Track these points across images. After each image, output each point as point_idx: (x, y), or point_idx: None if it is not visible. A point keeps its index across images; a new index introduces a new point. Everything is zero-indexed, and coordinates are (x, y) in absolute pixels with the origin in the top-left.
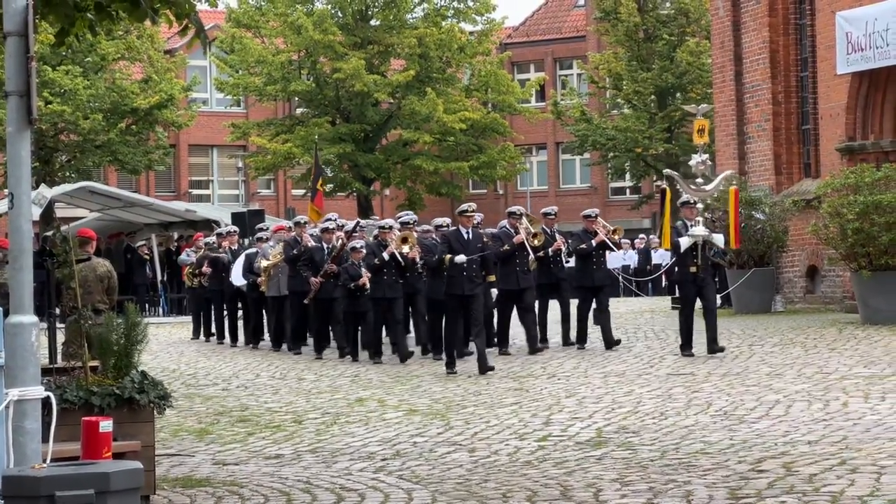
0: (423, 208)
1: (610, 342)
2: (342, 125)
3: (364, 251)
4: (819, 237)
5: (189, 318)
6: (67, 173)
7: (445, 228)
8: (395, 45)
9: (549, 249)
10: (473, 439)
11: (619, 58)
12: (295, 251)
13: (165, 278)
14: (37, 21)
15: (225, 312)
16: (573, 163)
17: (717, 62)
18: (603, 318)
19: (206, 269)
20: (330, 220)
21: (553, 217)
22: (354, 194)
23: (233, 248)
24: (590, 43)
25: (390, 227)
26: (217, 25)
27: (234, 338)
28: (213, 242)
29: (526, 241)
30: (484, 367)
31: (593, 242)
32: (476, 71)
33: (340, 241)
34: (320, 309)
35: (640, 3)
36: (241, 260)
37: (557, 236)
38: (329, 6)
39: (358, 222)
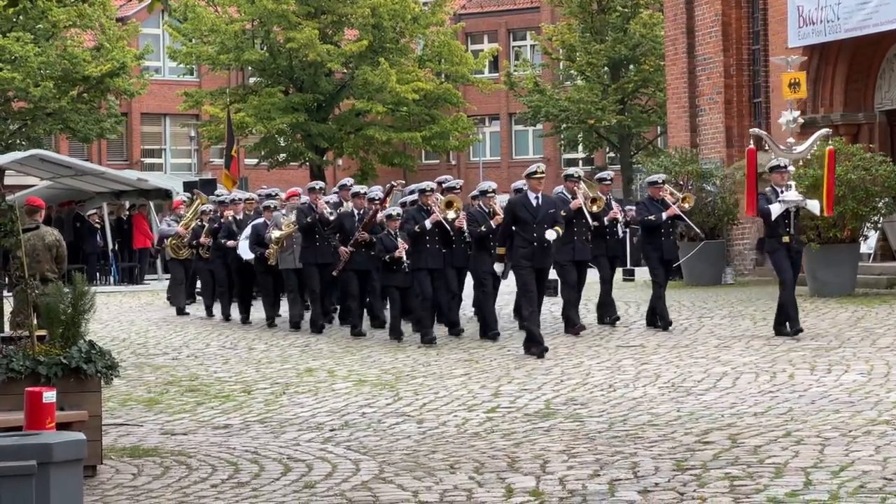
0: (375, 178)
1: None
2: (295, 95)
3: (400, 218)
4: None
5: (139, 288)
6: (18, 141)
7: (492, 195)
8: (349, 15)
9: (605, 218)
10: (422, 410)
11: (573, 29)
12: (309, 219)
13: (116, 247)
14: None
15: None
16: (526, 134)
17: (670, 35)
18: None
19: (204, 239)
20: (346, 185)
21: (609, 182)
22: (307, 164)
23: (237, 217)
24: (543, 14)
25: (432, 190)
26: None
27: (244, 312)
28: (211, 211)
29: (584, 207)
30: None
31: (664, 215)
32: (429, 41)
33: (373, 206)
34: (350, 281)
35: None
36: (247, 231)
37: (614, 204)
38: None
39: (392, 185)
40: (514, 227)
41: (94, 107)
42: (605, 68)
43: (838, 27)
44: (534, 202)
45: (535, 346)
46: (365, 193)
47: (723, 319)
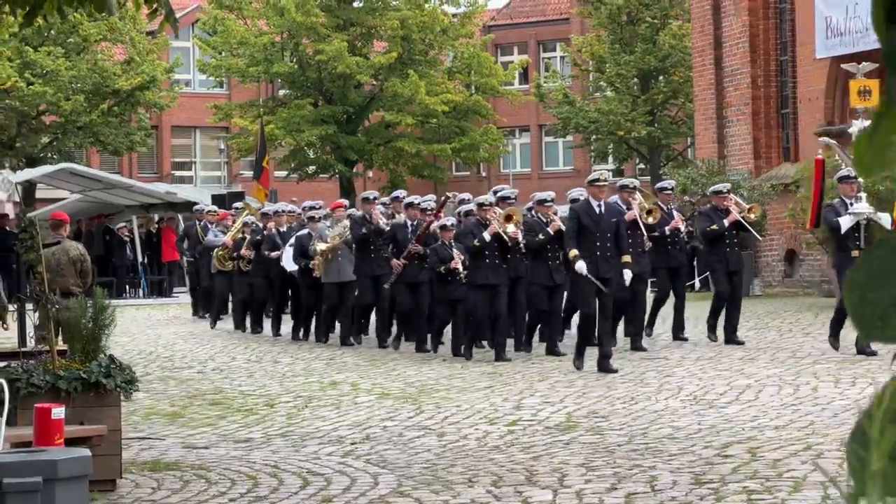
0: (405, 190)
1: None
2: (324, 107)
3: (455, 229)
4: (797, 221)
5: (168, 301)
6: (49, 154)
7: (550, 204)
8: (378, 27)
9: (666, 228)
10: (443, 423)
11: (602, 40)
12: (364, 230)
13: (146, 260)
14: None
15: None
16: (556, 145)
17: (697, 46)
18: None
19: (246, 251)
20: (398, 197)
21: (670, 193)
22: (337, 176)
23: (280, 229)
24: (573, 26)
25: (490, 204)
26: (199, 7)
27: (278, 329)
28: (253, 223)
29: (639, 218)
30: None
31: (725, 222)
32: (459, 53)
33: (427, 218)
34: (403, 294)
35: None
36: (291, 242)
37: (675, 213)
38: None
39: (447, 196)
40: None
41: (124, 120)
42: (635, 79)
43: (866, 37)
44: (597, 210)
45: (605, 361)
46: (419, 204)
47: (749, 331)
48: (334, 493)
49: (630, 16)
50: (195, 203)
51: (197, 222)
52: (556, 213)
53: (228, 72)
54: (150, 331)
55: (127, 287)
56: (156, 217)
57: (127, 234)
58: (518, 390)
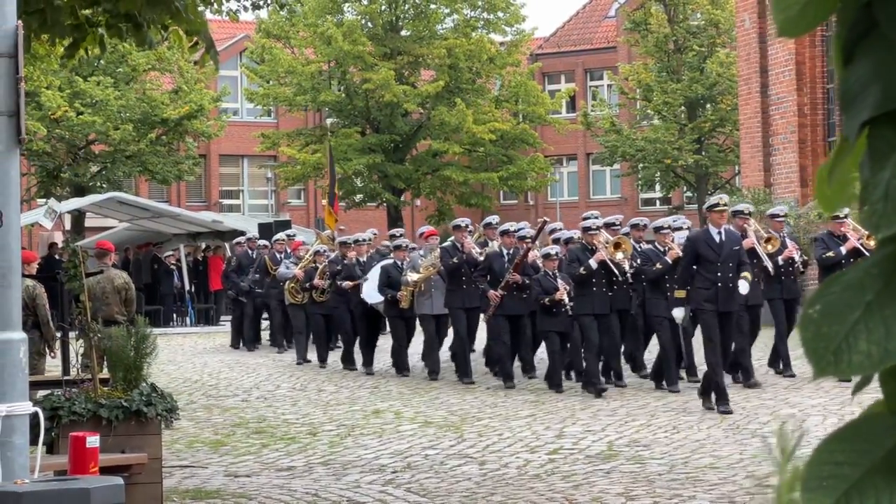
0: (452, 218)
1: None
2: (371, 135)
3: (558, 258)
4: None
5: (215, 329)
6: (98, 183)
7: (667, 231)
8: (425, 56)
9: (780, 258)
10: (485, 452)
11: (649, 69)
12: (455, 259)
13: (193, 288)
14: (40, 38)
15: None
16: (603, 174)
17: (743, 74)
18: None
19: (318, 281)
20: (490, 224)
21: (782, 220)
22: (384, 205)
23: (361, 259)
24: (620, 54)
25: (598, 229)
26: (247, 36)
27: (351, 361)
28: (325, 251)
29: (758, 247)
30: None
31: (843, 249)
32: (506, 82)
33: (525, 246)
34: (498, 328)
35: (670, 14)
36: (376, 273)
37: (788, 242)
38: (359, 17)
39: (545, 221)
40: (695, 267)
41: (172, 149)
42: (682, 107)
43: None
44: (716, 238)
45: (721, 402)
46: (515, 231)
47: (795, 360)
48: None
49: (677, 44)
50: (241, 232)
51: (262, 251)
52: (673, 241)
53: (276, 101)
54: (196, 359)
55: (174, 315)
56: (203, 245)
57: (174, 262)
58: (560, 419)
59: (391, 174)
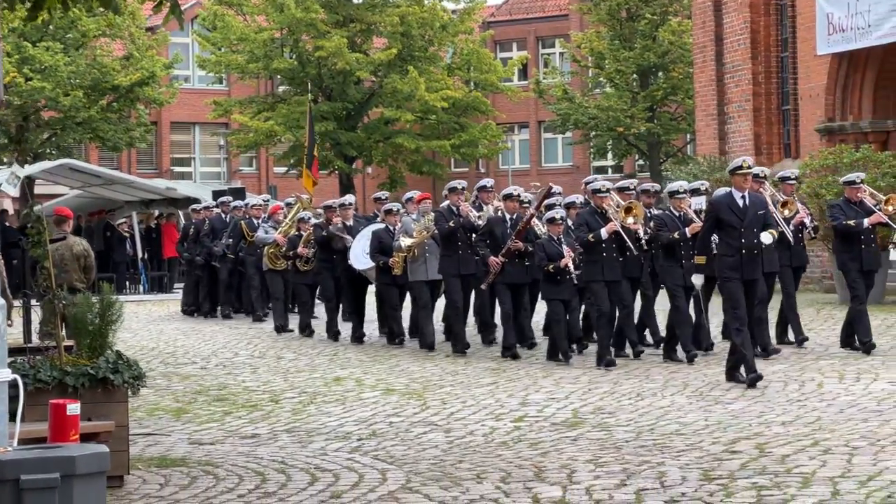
0: (404, 186)
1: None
2: (324, 103)
3: (563, 223)
4: None
5: (169, 297)
6: (48, 150)
7: (683, 195)
8: (378, 24)
9: (791, 224)
10: (449, 419)
11: (602, 37)
12: (451, 223)
13: (146, 256)
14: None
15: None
16: (555, 142)
17: (698, 42)
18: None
19: (302, 250)
20: (485, 187)
21: (793, 183)
22: (336, 172)
23: (348, 223)
24: (572, 22)
25: (608, 191)
26: (199, 2)
27: (336, 333)
28: (310, 216)
29: (775, 212)
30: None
31: (865, 222)
32: (458, 49)
33: (528, 211)
34: (503, 294)
35: None
36: (365, 238)
37: (800, 206)
38: None
39: (550, 187)
40: (717, 232)
41: (123, 116)
42: (634, 76)
43: (868, 34)
44: (740, 202)
45: (749, 371)
46: (518, 196)
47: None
48: (343, 488)
49: (629, 12)
50: (196, 199)
51: (220, 215)
52: (690, 207)
53: (228, 68)
54: (152, 326)
55: (127, 283)
56: (156, 213)
57: (127, 229)
58: (523, 386)
59: (343, 142)
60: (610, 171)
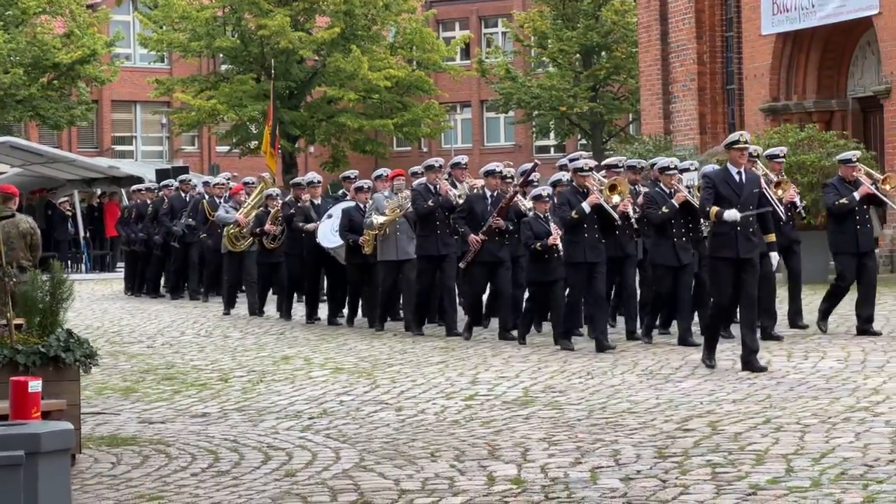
0: (346, 165)
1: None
2: (266, 82)
3: (550, 201)
4: None
5: (111, 276)
6: None
7: (674, 171)
8: (320, 2)
9: (782, 203)
10: (400, 398)
11: (545, 16)
12: (431, 202)
13: (88, 234)
14: None
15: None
16: (497, 121)
17: (643, 21)
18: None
19: (270, 227)
20: (459, 164)
21: (781, 161)
22: (279, 151)
23: (315, 201)
24: (515, 1)
25: (591, 170)
26: None
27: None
28: (278, 193)
29: (768, 192)
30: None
31: (856, 195)
32: (401, 29)
33: (511, 188)
34: (479, 275)
35: None
36: (335, 216)
37: (791, 187)
38: None
39: (535, 164)
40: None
41: (64, 94)
42: (577, 55)
43: (812, 14)
44: (737, 178)
45: (708, 357)
46: (499, 172)
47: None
48: (297, 467)
49: None
50: (139, 178)
51: (181, 193)
52: (680, 182)
53: (170, 46)
54: (95, 305)
55: (69, 262)
56: (98, 192)
57: (69, 208)
58: (472, 365)
59: (286, 121)
60: (552, 150)
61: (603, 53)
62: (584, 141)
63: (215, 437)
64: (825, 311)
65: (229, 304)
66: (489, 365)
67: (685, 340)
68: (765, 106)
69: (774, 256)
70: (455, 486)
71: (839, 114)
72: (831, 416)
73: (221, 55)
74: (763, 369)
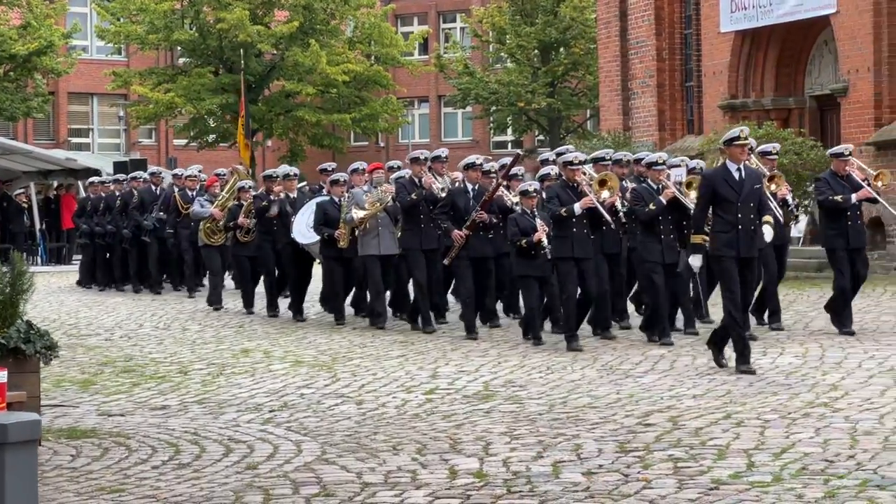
0: (304, 160)
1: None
2: (225, 75)
3: (537, 196)
4: None
5: (68, 268)
6: None
7: (661, 167)
8: None
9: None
10: (361, 391)
11: (503, 12)
12: (414, 195)
13: (44, 226)
14: None
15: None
16: (455, 116)
17: (602, 17)
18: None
19: (243, 220)
20: (439, 157)
21: (774, 157)
22: (237, 145)
23: (290, 194)
24: None
25: (581, 163)
26: None
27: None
28: (251, 185)
29: (763, 186)
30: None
31: (853, 198)
32: (359, 23)
33: (495, 182)
34: (466, 270)
35: None
36: (309, 211)
37: (784, 182)
38: None
39: (518, 155)
40: (713, 208)
41: (20, 85)
42: (535, 51)
43: (770, 12)
44: (736, 175)
45: (742, 361)
46: (480, 165)
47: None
48: (258, 460)
49: None
50: (96, 170)
51: (152, 186)
52: (669, 178)
53: (127, 38)
54: (52, 297)
55: (25, 254)
56: (55, 184)
57: (25, 200)
58: (432, 359)
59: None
60: (510, 146)
61: (561, 49)
62: (541, 137)
63: (176, 430)
64: (840, 317)
65: (216, 296)
66: (449, 359)
67: (692, 324)
68: (723, 103)
69: (768, 230)
70: (417, 480)
71: (797, 111)
72: (791, 411)
73: (179, 48)
74: (723, 365)
